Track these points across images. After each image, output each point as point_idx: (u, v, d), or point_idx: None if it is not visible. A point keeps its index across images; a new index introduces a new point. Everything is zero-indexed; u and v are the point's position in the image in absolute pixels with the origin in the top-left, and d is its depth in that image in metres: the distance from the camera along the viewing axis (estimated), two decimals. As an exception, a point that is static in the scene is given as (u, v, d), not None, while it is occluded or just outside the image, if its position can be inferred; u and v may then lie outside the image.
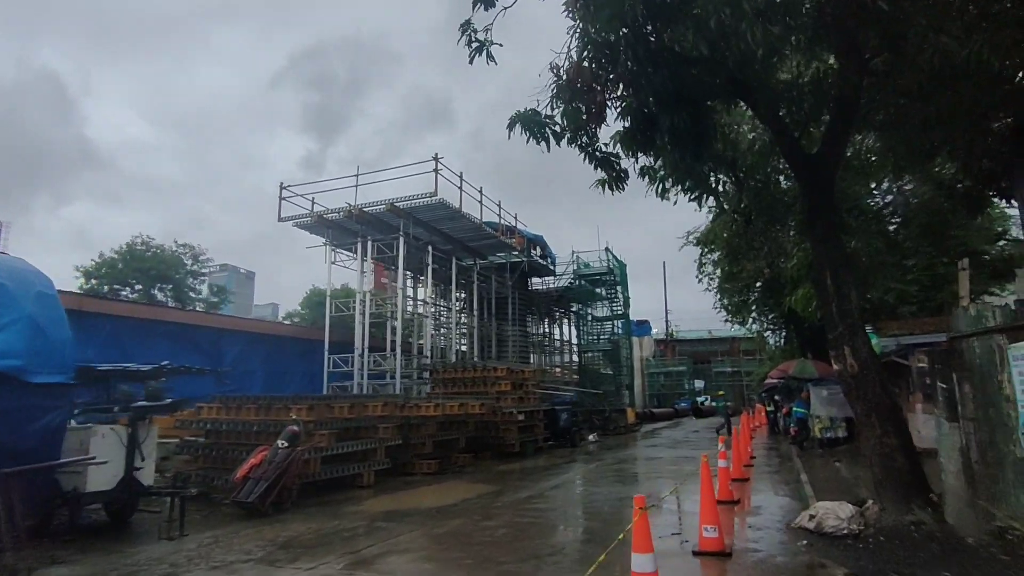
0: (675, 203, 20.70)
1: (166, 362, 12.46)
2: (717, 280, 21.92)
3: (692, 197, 8.52)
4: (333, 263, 22.59)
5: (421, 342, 24.00)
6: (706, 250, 21.54)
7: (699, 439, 23.04)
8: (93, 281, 36.00)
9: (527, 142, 7.45)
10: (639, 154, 8.14)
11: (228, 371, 14.07)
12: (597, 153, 8.96)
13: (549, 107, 7.52)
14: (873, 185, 18.10)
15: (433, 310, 26.08)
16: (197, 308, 37.32)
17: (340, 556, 6.30)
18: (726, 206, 20.04)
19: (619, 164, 9.11)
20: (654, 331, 72.51)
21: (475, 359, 23.51)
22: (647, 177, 8.85)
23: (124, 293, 35.89)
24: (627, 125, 7.61)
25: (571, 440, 20.91)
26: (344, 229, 22.23)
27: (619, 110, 7.44)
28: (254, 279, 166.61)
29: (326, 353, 21.52)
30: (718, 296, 22.18)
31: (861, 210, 17.03)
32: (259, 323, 26.61)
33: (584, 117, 7.47)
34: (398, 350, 20.61)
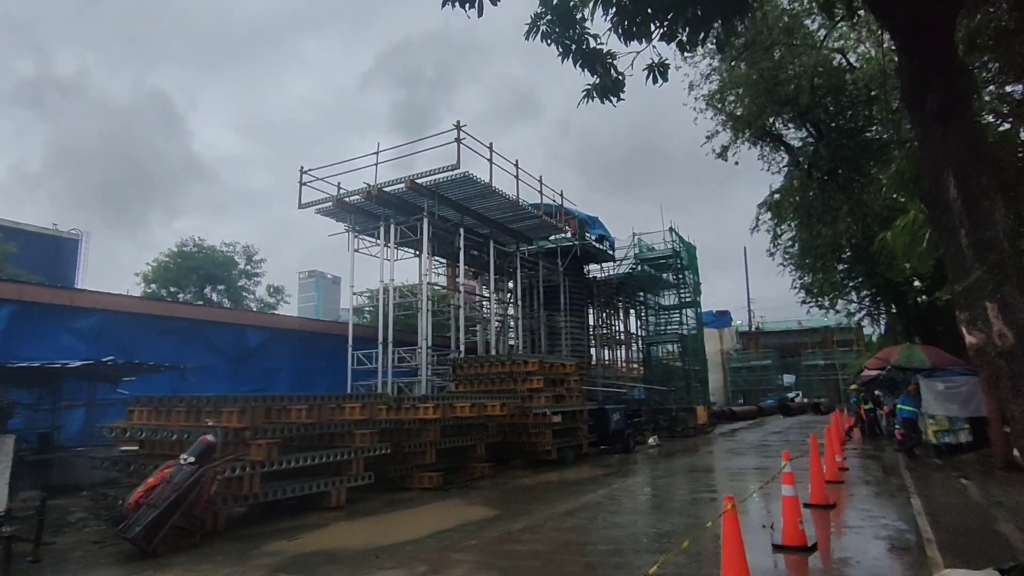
0: (736, 163, 17.30)
1: (110, 357, 10.78)
2: (793, 255, 18.33)
3: (691, 41, 5.58)
4: (356, 251, 20.71)
5: (460, 336, 21.73)
6: (778, 220, 18.05)
7: (778, 443, 19.52)
8: (152, 285, 36.22)
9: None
10: (640, 35, 5.38)
11: (194, 367, 12.24)
12: (583, 47, 6.30)
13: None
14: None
15: (471, 301, 23.80)
16: (252, 308, 36.89)
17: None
18: (801, 160, 16.66)
19: (613, 64, 6.40)
20: (737, 322, 67.57)
21: (510, 353, 21.03)
22: (653, 74, 6.05)
23: (181, 296, 35.91)
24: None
25: (624, 444, 18.01)
26: (368, 213, 20.29)
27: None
28: (340, 283, 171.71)
29: (350, 350, 19.66)
30: (797, 274, 18.54)
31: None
32: (285, 319, 25.21)
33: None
34: (422, 344, 18.45)
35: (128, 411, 9.36)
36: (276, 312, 36.80)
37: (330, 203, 19.88)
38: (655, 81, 6.41)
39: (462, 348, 20.21)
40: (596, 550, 6.53)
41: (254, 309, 36.26)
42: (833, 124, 15.71)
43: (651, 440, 20.34)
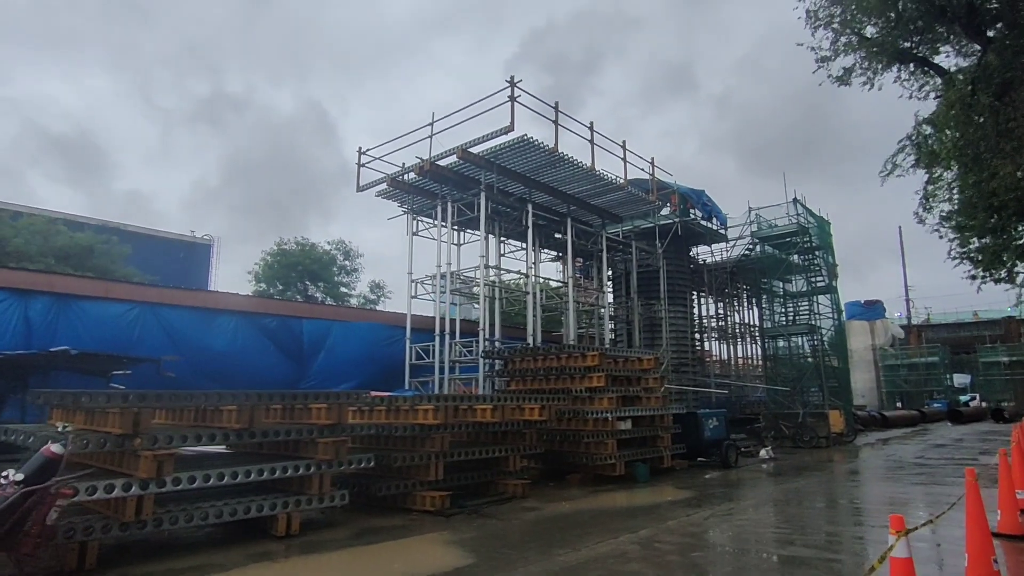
0: (880, 88, 13.27)
1: (64, 347, 9.51)
2: (952, 215, 13.75)
3: None
4: (415, 234, 18.86)
5: (535, 326, 19.20)
6: (935, 166, 13.59)
7: (939, 462, 14.99)
8: (262, 284, 37.21)
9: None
10: None
11: (172, 359, 10.78)
12: None
13: None
14: None
15: (551, 288, 21.18)
16: (352, 304, 36.74)
17: None
18: (960, 78, 12.29)
19: None
20: (895, 315, 58.85)
21: (565, 344, 18.08)
22: None
23: (288, 294, 36.54)
24: None
25: (723, 458, 14.53)
26: (428, 192, 18.40)
27: None
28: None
29: (407, 343, 17.86)
30: (955, 240, 13.88)
31: None
32: (345, 310, 24.03)
33: None
34: (481, 335, 16.17)
35: (49, 410, 7.90)
36: (376, 309, 36.33)
37: (384, 184, 18.21)
38: None
39: (531, 340, 17.65)
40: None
41: (355, 305, 36.03)
42: (1014, 19, 11.44)
43: (763, 452, 16.54)
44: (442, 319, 17.17)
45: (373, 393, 10.95)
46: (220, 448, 8.80)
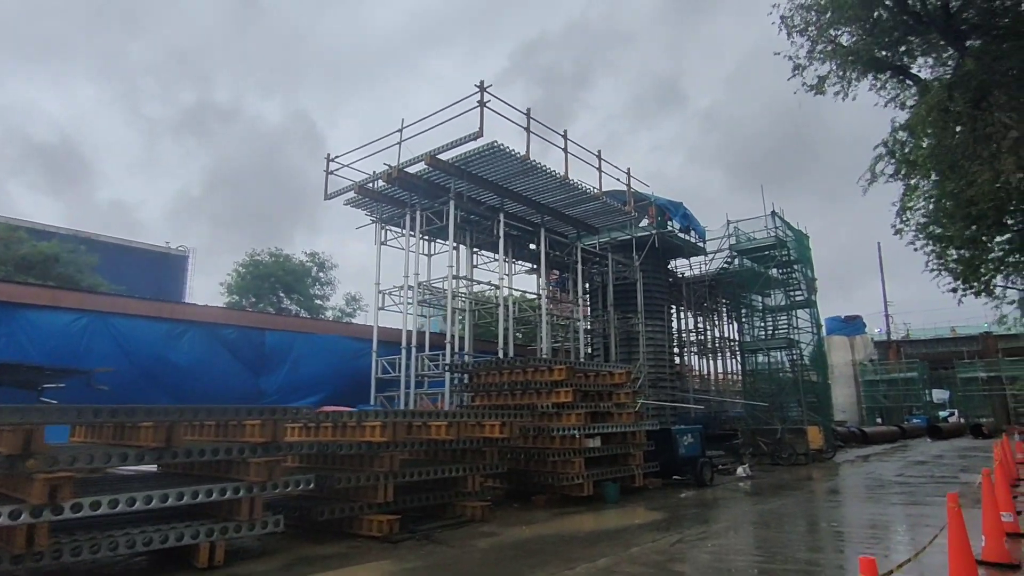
0: (844, 98, 12.95)
1: None
2: (926, 227, 13.41)
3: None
4: (384, 243, 18.23)
5: (506, 339, 18.61)
6: (912, 175, 13.25)
7: (919, 481, 14.55)
8: (235, 296, 36.28)
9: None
10: None
11: (106, 371, 10.06)
12: None
13: None
14: None
15: (524, 300, 20.63)
16: (328, 317, 35.93)
17: None
18: (936, 84, 12.02)
19: None
20: (875, 331, 59.05)
21: (530, 357, 17.53)
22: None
23: (261, 306, 35.65)
24: None
25: (697, 476, 13.97)
26: (397, 201, 17.81)
27: None
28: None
29: (374, 356, 17.17)
30: (932, 251, 13.54)
31: None
32: (312, 322, 23.24)
33: None
34: (448, 348, 15.52)
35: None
36: (348, 322, 35.52)
37: (352, 192, 17.60)
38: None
39: (502, 353, 17.05)
40: None
41: (329, 318, 35.20)
42: (991, 28, 11.20)
43: (740, 470, 16.01)
44: (409, 332, 16.54)
45: (326, 408, 10.33)
46: (152, 468, 8.17)
